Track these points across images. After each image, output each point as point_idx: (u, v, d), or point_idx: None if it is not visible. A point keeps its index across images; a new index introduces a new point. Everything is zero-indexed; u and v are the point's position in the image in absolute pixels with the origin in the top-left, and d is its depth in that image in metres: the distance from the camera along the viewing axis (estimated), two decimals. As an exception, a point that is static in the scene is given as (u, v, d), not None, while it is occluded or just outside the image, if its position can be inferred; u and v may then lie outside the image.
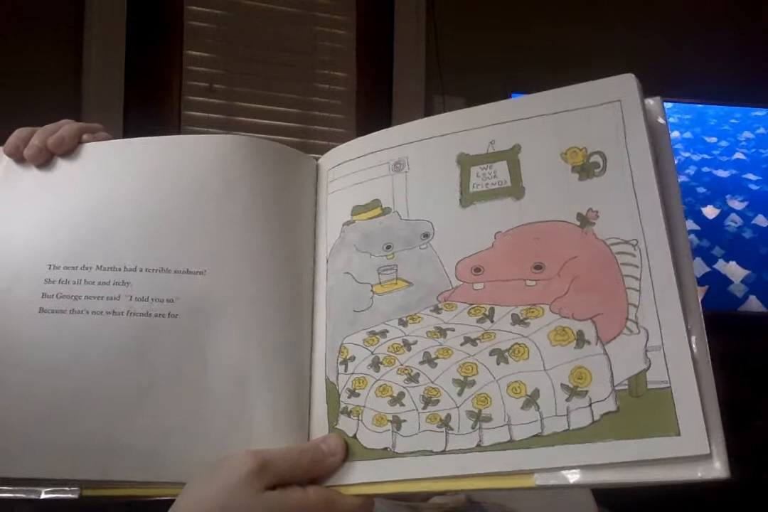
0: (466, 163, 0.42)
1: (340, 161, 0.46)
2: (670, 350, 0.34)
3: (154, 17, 1.40)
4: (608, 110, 0.40)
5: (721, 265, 1.46)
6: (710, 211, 1.49)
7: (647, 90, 0.41)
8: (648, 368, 0.34)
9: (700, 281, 1.44)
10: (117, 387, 0.40)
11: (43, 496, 0.38)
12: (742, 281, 1.46)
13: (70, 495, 0.39)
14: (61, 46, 1.34)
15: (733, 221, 1.48)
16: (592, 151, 0.40)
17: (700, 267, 1.45)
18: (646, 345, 0.35)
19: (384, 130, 0.46)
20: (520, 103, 0.43)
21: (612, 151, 0.39)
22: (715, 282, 1.45)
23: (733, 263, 1.46)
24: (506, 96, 1.44)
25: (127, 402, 0.40)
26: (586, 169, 0.39)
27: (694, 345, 0.34)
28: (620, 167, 0.39)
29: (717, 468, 0.32)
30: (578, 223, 0.38)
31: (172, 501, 0.37)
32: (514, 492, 0.55)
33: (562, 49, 1.57)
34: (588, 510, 0.58)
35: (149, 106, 1.38)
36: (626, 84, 0.41)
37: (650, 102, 0.41)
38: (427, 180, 0.43)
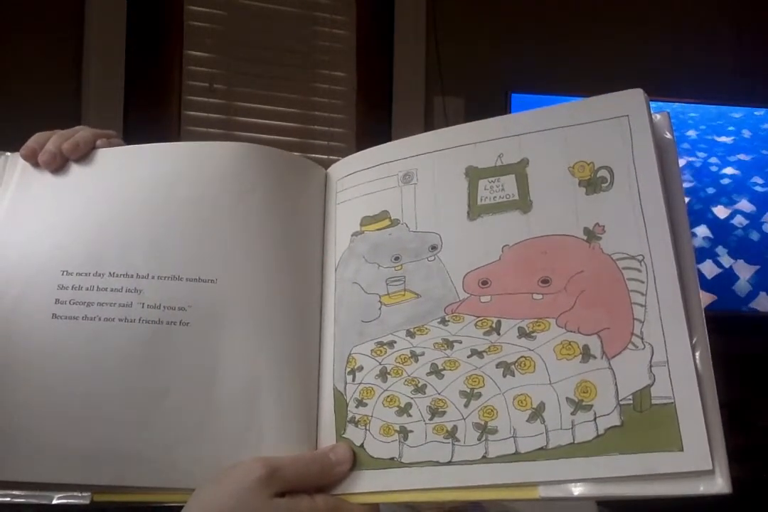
0: (474, 175, 0.43)
1: (350, 171, 0.47)
2: (675, 366, 0.34)
3: (154, 17, 1.40)
4: (616, 125, 0.40)
5: (728, 264, 1.46)
6: (718, 211, 1.49)
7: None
8: (652, 383, 0.35)
9: (710, 283, 1.43)
10: (129, 393, 0.41)
11: (55, 501, 0.39)
12: (749, 280, 1.46)
13: (81, 501, 0.39)
14: (61, 48, 1.34)
15: (740, 222, 1.48)
16: (599, 165, 0.40)
17: (709, 269, 1.45)
18: (651, 360, 0.35)
19: (393, 141, 0.46)
20: (528, 117, 0.43)
21: (619, 166, 0.39)
22: (722, 281, 1.45)
23: (741, 261, 1.46)
24: (506, 96, 1.44)
25: (139, 408, 0.40)
26: (594, 183, 0.40)
27: (698, 362, 0.34)
28: (627, 182, 0.39)
29: (719, 484, 0.32)
30: (585, 238, 0.39)
31: (181, 507, 0.38)
32: None
33: (561, 50, 1.57)
34: (588, 510, 0.59)
35: (149, 106, 1.37)
36: (634, 99, 0.41)
37: (657, 117, 0.41)
38: (435, 192, 0.43)
